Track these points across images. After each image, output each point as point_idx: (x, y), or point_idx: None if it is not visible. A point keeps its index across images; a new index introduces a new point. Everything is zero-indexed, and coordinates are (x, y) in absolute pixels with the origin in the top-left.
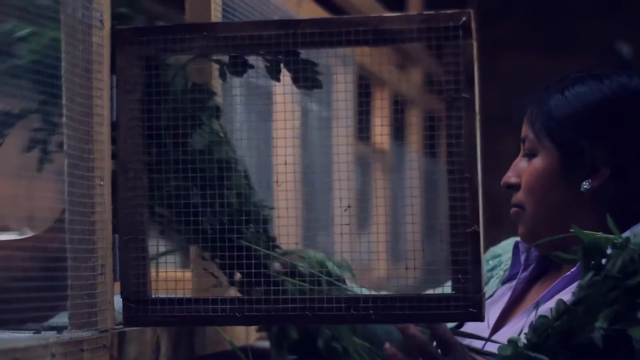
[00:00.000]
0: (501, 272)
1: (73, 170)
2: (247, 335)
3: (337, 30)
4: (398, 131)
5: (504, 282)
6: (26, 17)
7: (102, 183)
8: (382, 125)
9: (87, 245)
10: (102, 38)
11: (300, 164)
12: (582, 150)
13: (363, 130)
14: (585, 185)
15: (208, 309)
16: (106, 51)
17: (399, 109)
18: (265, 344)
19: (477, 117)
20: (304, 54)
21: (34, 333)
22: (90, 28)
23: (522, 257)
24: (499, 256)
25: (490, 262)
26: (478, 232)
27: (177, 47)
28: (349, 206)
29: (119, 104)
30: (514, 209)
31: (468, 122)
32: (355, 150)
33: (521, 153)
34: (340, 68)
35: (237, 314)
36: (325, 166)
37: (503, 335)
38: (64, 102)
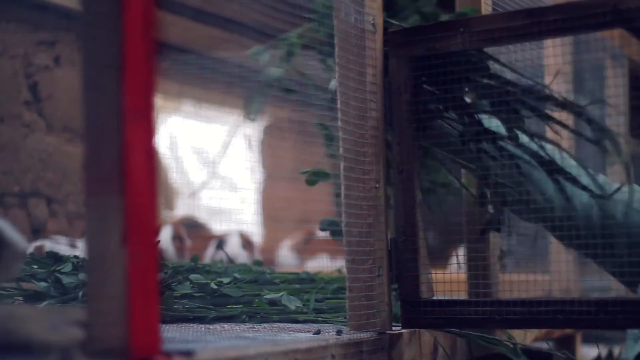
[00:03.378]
0: None
1: (349, 174)
2: (525, 337)
3: (577, 14)
4: None
5: None
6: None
7: (377, 185)
8: None
9: (363, 247)
10: (374, 42)
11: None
12: None
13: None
14: None
15: (471, 312)
16: (379, 54)
17: None
18: (542, 345)
19: None
20: None
21: (314, 334)
22: (363, 32)
23: None
24: None
25: None
26: None
27: (439, 46)
28: None
29: (392, 106)
30: None
31: None
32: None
33: None
34: (610, 62)
35: (495, 316)
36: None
37: None
38: (338, 106)
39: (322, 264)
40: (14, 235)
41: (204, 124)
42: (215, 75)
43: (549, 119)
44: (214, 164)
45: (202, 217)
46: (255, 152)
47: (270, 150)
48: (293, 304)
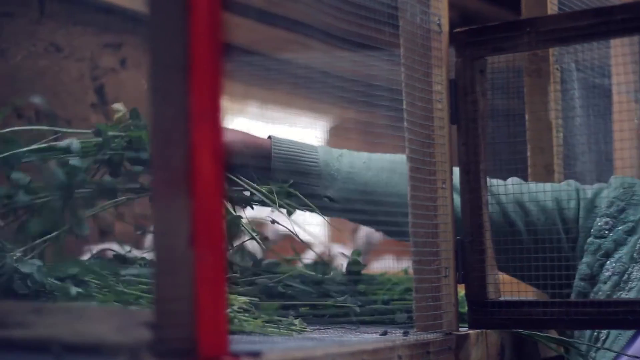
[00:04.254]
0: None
1: (415, 174)
2: None
3: None
4: None
5: None
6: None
7: (444, 186)
8: None
9: (430, 248)
10: (440, 42)
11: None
12: None
13: None
14: None
15: (539, 312)
16: (445, 54)
17: None
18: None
19: None
20: None
21: (380, 335)
22: (429, 32)
23: None
24: (632, 187)
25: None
26: None
27: (505, 46)
28: None
29: (458, 107)
30: None
31: None
32: None
33: None
34: None
35: (564, 317)
36: None
37: None
38: (404, 107)
39: (387, 264)
40: None
41: (269, 125)
42: (280, 76)
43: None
44: None
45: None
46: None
47: None
48: (358, 305)
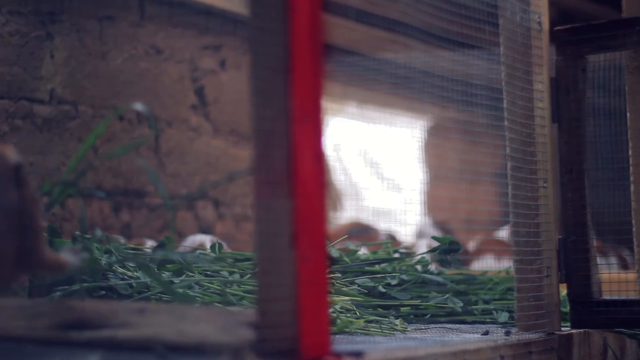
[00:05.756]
0: None
1: (516, 173)
2: None
3: None
4: None
5: None
6: None
7: (545, 185)
8: None
9: (532, 247)
10: (540, 40)
11: None
12: None
13: None
14: None
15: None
16: (545, 53)
17: None
18: None
19: None
20: None
21: (482, 334)
22: (529, 31)
23: None
24: None
25: None
26: None
27: (611, 44)
28: None
29: (559, 105)
30: None
31: None
32: None
33: None
34: None
35: None
36: None
37: None
38: (505, 106)
39: (488, 264)
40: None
41: (368, 125)
42: (379, 76)
43: None
44: (378, 165)
45: (367, 218)
46: (419, 152)
47: (434, 151)
48: (458, 305)
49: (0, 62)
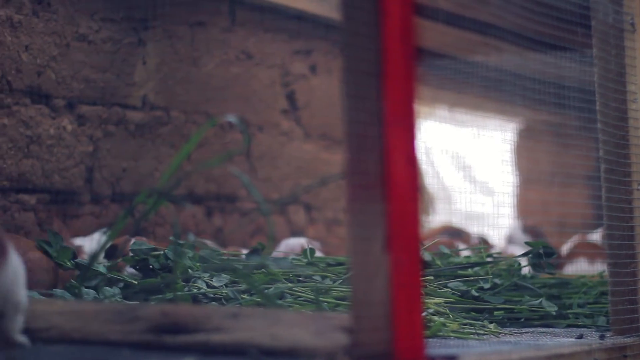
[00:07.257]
0: None
1: (609, 176)
2: None
3: None
4: None
5: None
6: None
7: (639, 188)
8: None
9: (626, 250)
10: (633, 41)
11: None
12: None
13: None
14: None
15: None
16: (638, 54)
17: None
18: None
19: None
20: None
21: (576, 338)
22: (622, 32)
23: None
24: None
25: None
26: None
27: None
28: None
29: None
30: None
31: None
32: None
33: None
34: None
35: None
36: None
37: None
38: (597, 108)
39: (581, 268)
40: None
41: (459, 128)
42: (470, 79)
43: None
44: (470, 169)
45: (459, 222)
46: (510, 155)
47: (525, 154)
48: (553, 309)
49: (93, 69)
